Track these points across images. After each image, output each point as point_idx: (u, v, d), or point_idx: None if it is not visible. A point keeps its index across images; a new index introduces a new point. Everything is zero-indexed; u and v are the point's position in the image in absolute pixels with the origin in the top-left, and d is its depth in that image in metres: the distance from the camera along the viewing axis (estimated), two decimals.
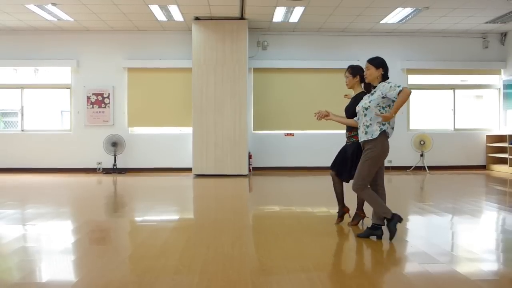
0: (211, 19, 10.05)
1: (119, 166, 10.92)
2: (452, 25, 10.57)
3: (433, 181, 9.45)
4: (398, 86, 4.01)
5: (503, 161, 11.11)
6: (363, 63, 4.50)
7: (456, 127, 11.69)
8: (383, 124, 4.10)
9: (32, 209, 6.03)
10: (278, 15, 9.73)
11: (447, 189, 8.29)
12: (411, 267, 3.57)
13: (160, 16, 9.72)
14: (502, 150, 11.06)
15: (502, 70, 11.58)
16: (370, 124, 4.13)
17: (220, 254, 3.78)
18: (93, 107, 11.12)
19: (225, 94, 10.10)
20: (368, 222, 4.64)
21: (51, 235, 4.65)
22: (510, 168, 10.61)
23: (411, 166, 11.19)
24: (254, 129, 11.26)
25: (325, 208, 6.01)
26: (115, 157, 10.83)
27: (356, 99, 4.57)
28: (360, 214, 4.82)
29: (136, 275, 3.32)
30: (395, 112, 4.00)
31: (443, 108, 11.79)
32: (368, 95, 4.31)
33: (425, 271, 3.33)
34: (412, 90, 4.05)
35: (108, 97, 11.10)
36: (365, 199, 4.23)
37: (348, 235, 4.49)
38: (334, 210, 5.88)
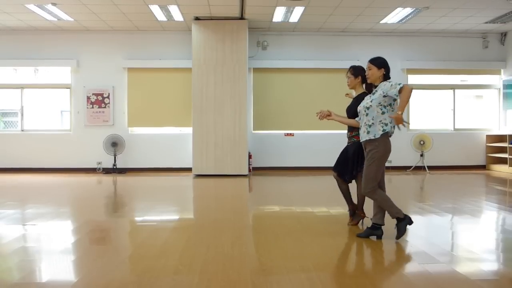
0: (211, 19, 10.05)
1: (119, 166, 10.92)
2: (452, 25, 10.57)
3: (433, 181, 9.45)
4: (399, 84, 4.01)
5: (503, 161, 11.11)
6: (363, 63, 4.50)
7: (456, 127, 11.69)
8: (386, 125, 4.10)
9: (32, 209, 6.03)
10: (278, 15, 9.73)
11: (447, 189, 8.29)
12: (411, 267, 3.57)
13: (160, 16, 9.72)
14: (502, 150, 11.06)
15: (502, 70, 11.58)
16: (373, 123, 4.12)
17: (220, 254, 3.78)
18: (93, 107, 11.12)
19: (225, 94, 10.10)
20: (368, 222, 4.64)
21: (51, 235, 4.65)
22: (510, 168, 10.61)
23: (411, 166, 11.19)
24: (254, 129, 11.26)
25: (325, 208, 6.01)
26: (115, 157, 10.83)
27: (358, 99, 4.57)
28: (360, 214, 4.82)
29: (136, 275, 3.32)
30: (402, 110, 3.96)
31: (443, 108, 11.79)
32: (369, 95, 4.32)
33: (425, 271, 3.33)
34: (412, 90, 4.03)
35: (108, 97, 11.10)
36: (377, 201, 4.19)
37: (348, 235, 4.49)
38: (334, 210, 5.89)
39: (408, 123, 4.15)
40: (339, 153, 4.88)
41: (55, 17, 9.76)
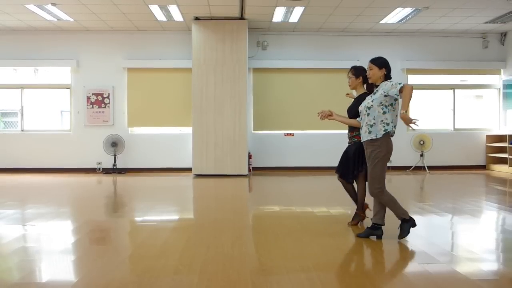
0: (211, 19, 10.05)
1: (119, 166, 10.92)
2: (452, 25, 10.57)
3: (433, 181, 9.46)
4: (399, 84, 4.02)
5: (503, 161, 11.11)
6: (362, 63, 4.50)
7: (456, 127, 11.69)
8: (387, 124, 4.10)
9: (32, 209, 6.03)
10: (278, 15, 9.73)
11: (447, 189, 8.29)
12: (411, 267, 3.57)
13: (160, 16, 9.72)
14: (502, 150, 11.06)
15: (502, 70, 11.58)
16: (374, 123, 4.12)
17: (220, 254, 3.78)
18: (93, 107, 11.12)
19: (225, 94, 10.10)
20: (368, 222, 4.64)
21: (51, 235, 4.65)
22: (510, 168, 10.61)
23: (411, 166, 11.19)
24: (254, 129, 11.26)
25: (325, 208, 6.01)
26: (115, 157, 10.83)
27: (359, 99, 4.57)
28: (360, 214, 4.82)
29: (136, 275, 3.32)
30: (406, 109, 3.91)
31: (443, 108, 11.79)
32: (370, 95, 4.32)
33: (425, 271, 3.33)
34: (413, 88, 4.00)
35: (108, 97, 11.10)
36: (385, 202, 4.18)
37: (348, 235, 4.49)
38: (334, 210, 5.89)
39: (417, 120, 3.92)
40: (339, 153, 4.89)
41: (55, 17, 9.76)
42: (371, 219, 4.34)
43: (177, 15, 9.69)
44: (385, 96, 4.09)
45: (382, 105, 4.11)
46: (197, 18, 10.03)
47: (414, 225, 4.18)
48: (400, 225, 4.18)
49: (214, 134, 10.11)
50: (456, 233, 4.89)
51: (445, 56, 11.46)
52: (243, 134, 10.13)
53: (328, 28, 10.92)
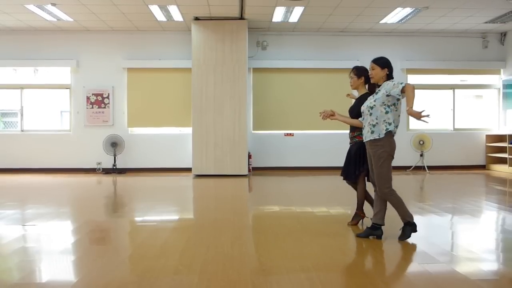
0: (211, 19, 10.05)
1: (118, 166, 10.92)
2: (451, 25, 10.57)
3: (433, 181, 9.46)
4: (401, 83, 4.02)
5: (502, 161, 11.12)
6: (362, 63, 4.51)
7: (455, 127, 11.70)
8: (390, 124, 4.10)
9: (32, 209, 6.03)
10: (278, 15, 9.73)
11: (447, 189, 8.29)
12: (411, 267, 3.57)
13: (160, 16, 9.72)
14: (502, 150, 11.06)
15: (502, 70, 11.58)
16: (377, 123, 4.12)
17: (220, 254, 3.78)
18: (92, 107, 11.12)
19: (225, 94, 10.10)
20: (368, 222, 4.64)
21: (51, 235, 4.65)
22: (510, 168, 10.61)
23: (411, 166, 11.19)
24: (253, 129, 11.26)
25: (325, 208, 6.01)
26: (114, 157, 10.83)
27: (361, 100, 4.57)
28: (360, 214, 4.82)
29: (136, 275, 3.33)
30: (411, 105, 3.89)
31: (442, 108, 11.79)
32: (372, 95, 4.32)
33: (425, 271, 3.33)
34: (414, 87, 4.00)
35: (107, 97, 11.10)
36: (392, 203, 4.19)
37: (348, 235, 4.49)
38: (334, 210, 5.90)
39: (424, 111, 3.89)
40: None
41: (54, 17, 9.76)
42: (371, 219, 4.34)
43: (177, 15, 9.69)
44: (388, 96, 4.09)
45: (385, 104, 4.11)
46: (197, 18, 10.03)
47: (415, 230, 4.18)
48: (403, 228, 4.19)
49: (214, 134, 10.11)
50: (456, 233, 4.90)
51: (445, 56, 11.47)
52: (243, 134, 10.13)
53: (328, 28, 10.92)
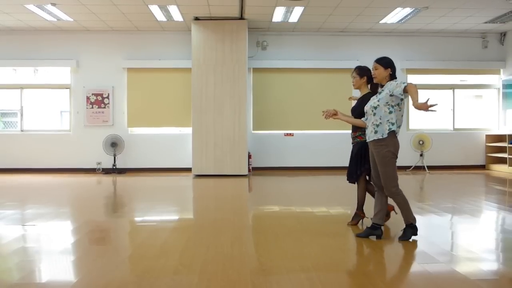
0: (211, 19, 10.05)
1: (118, 166, 10.92)
2: (451, 25, 10.57)
3: (433, 181, 9.46)
4: (403, 83, 4.03)
5: (502, 160, 11.12)
6: (362, 63, 4.50)
7: (455, 127, 11.70)
8: (393, 124, 4.10)
9: (32, 209, 6.03)
10: (278, 15, 9.73)
11: (446, 189, 8.29)
12: (411, 267, 3.57)
13: (160, 16, 9.72)
14: (502, 149, 11.07)
15: (502, 70, 11.58)
16: (380, 123, 4.12)
17: (220, 254, 3.78)
18: (92, 107, 11.12)
19: (225, 94, 10.10)
20: (368, 222, 4.64)
21: (51, 235, 4.65)
22: (510, 167, 10.61)
23: (411, 166, 11.19)
24: (253, 129, 11.26)
25: (325, 208, 6.01)
26: (114, 157, 10.83)
27: (363, 99, 4.57)
28: (359, 214, 4.82)
29: (136, 275, 3.33)
30: (417, 101, 3.83)
31: (442, 108, 11.78)
32: (376, 95, 4.32)
33: (425, 271, 3.33)
34: (416, 86, 4.00)
35: (107, 97, 11.10)
36: (399, 202, 4.18)
37: (348, 235, 4.49)
38: (334, 210, 5.90)
39: (428, 99, 3.77)
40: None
41: (54, 17, 9.76)
42: (371, 219, 4.34)
43: (176, 15, 9.69)
44: (391, 95, 4.09)
45: (388, 104, 4.11)
46: (196, 18, 10.03)
47: (416, 233, 4.19)
48: (404, 229, 4.19)
49: (214, 134, 10.11)
50: (455, 233, 4.90)
51: (444, 56, 11.47)
52: (242, 134, 10.13)
53: (327, 28, 10.92)
